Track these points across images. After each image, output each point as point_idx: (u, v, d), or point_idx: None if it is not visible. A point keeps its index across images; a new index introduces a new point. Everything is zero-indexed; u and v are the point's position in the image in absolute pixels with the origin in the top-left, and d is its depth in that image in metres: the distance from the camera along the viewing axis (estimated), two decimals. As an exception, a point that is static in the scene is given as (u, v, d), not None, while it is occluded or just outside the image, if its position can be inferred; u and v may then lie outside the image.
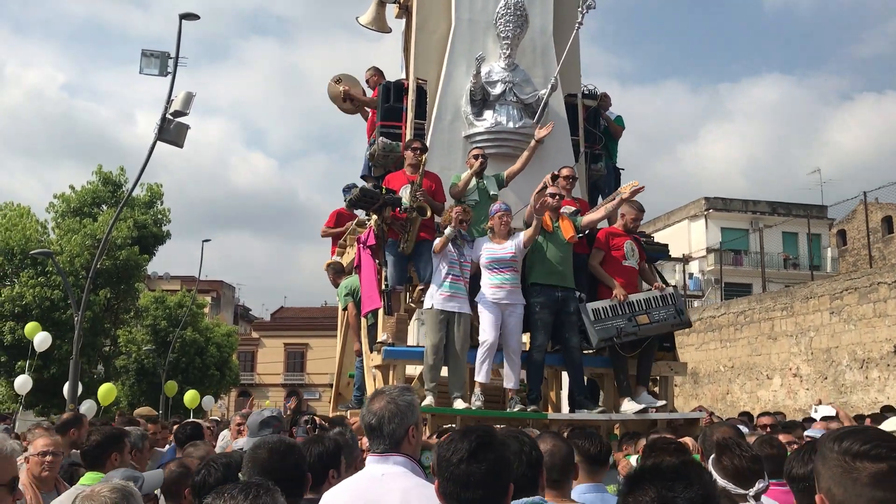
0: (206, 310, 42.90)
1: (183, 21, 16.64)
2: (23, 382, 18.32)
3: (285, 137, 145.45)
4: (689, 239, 39.52)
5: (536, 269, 7.55)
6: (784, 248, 40.60)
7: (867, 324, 16.19)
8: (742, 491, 3.60)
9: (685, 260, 35.68)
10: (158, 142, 16.38)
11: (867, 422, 7.81)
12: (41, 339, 18.80)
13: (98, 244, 23.11)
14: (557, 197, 7.60)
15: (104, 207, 29.78)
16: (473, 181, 7.91)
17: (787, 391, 18.64)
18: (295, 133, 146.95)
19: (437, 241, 7.34)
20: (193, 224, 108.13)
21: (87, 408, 18.46)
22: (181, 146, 16.43)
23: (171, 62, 16.65)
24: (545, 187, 7.73)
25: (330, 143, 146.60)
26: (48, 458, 4.57)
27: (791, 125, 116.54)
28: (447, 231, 7.29)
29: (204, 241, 32.59)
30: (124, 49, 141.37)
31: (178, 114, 16.15)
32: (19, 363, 22.04)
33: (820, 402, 14.55)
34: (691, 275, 37.77)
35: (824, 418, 8.13)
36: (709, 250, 39.03)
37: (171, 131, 16.21)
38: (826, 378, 17.38)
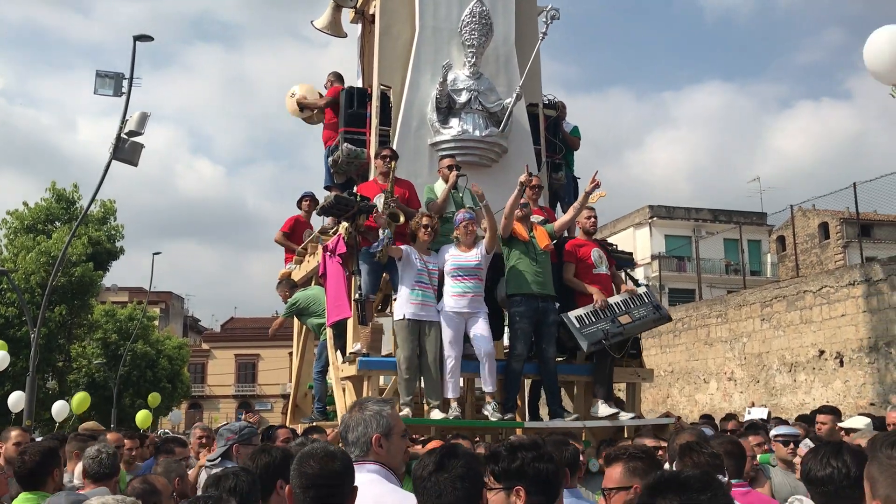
0: (156, 322, 43.02)
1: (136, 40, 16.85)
2: (16, 400, 18.68)
3: (232, 144, 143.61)
4: (635, 246, 40.13)
5: (516, 279, 7.53)
6: (726, 254, 41.50)
7: (794, 330, 17.01)
8: None
9: (624, 271, 36.22)
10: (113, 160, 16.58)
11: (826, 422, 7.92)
12: (0, 359, 18.82)
13: (52, 261, 23.73)
14: (527, 207, 7.62)
15: (57, 224, 29.94)
16: (444, 189, 7.87)
17: (723, 394, 19.36)
18: (242, 140, 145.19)
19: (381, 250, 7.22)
20: (140, 233, 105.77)
21: (58, 409, 18.81)
22: (136, 164, 16.68)
23: (125, 82, 16.93)
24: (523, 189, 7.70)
25: (278, 151, 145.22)
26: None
27: (733, 132, 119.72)
28: (380, 233, 7.21)
29: (154, 253, 32.81)
30: (64, 55, 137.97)
31: (132, 133, 16.38)
32: None
33: (753, 405, 15.08)
34: (636, 282, 38.34)
35: (800, 418, 8.29)
36: (653, 257, 39.72)
37: (125, 150, 16.47)
38: (758, 381, 18.13)
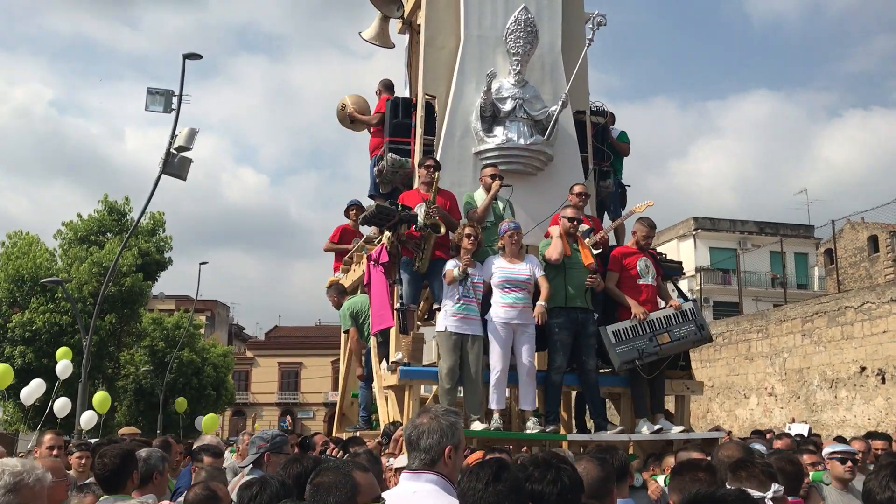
0: (202, 330, 43.77)
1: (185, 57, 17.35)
2: (61, 405, 19.10)
3: (276, 154, 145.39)
4: (679, 258, 39.66)
5: (557, 293, 7.42)
6: (772, 267, 40.82)
7: (836, 346, 16.96)
8: (760, 494, 3.56)
9: (673, 282, 35.85)
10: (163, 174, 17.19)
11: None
12: (63, 368, 19.51)
13: (104, 271, 24.98)
14: (576, 221, 7.51)
15: (109, 235, 30.98)
16: (485, 198, 7.81)
17: (763, 410, 19.31)
18: (286, 150, 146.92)
19: (448, 274, 7.20)
20: (186, 241, 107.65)
21: (86, 419, 19.00)
22: (184, 179, 17.31)
23: (174, 99, 17.37)
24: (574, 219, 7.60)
25: (321, 161, 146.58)
26: (55, 452, 4.49)
27: (780, 141, 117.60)
28: (455, 272, 7.14)
29: (201, 263, 33.24)
30: (112, 65, 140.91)
31: (181, 149, 16.92)
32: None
33: (793, 421, 14.88)
34: (685, 296, 37.88)
35: (870, 434, 8.05)
36: (697, 270, 39.17)
37: (175, 165, 17.02)
38: (799, 397, 18.11)
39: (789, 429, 10.76)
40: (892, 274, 35.10)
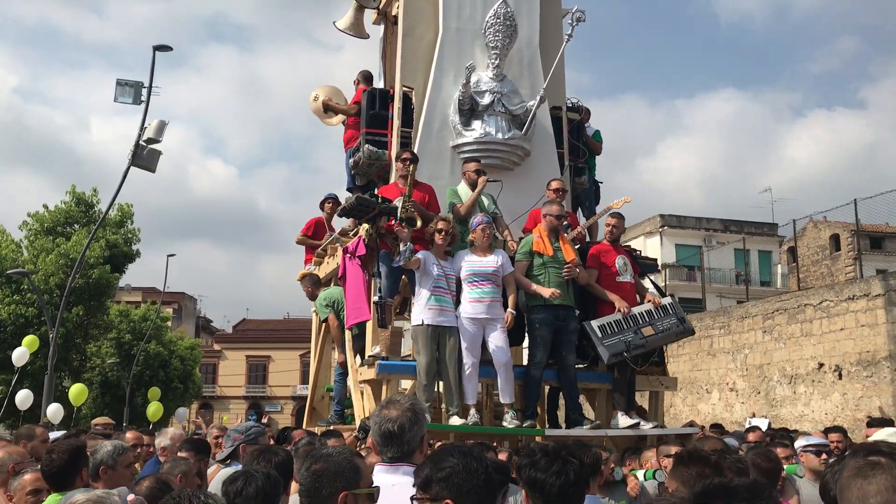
0: (169, 323, 43.45)
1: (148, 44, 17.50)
2: (23, 398, 18.98)
3: (245, 146, 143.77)
4: (645, 255, 40.02)
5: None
6: (736, 264, 41.35)
7: (795, 342, 17.39)
8: None
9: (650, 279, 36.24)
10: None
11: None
12: (19, 355, 19.38)
13: (71, 263, 24.75)
14: (564, 219, 7.52)
15: (76, 227, 30.65)
16: (470, 195, 7.77)
17: (725, 404, 19.68)
18: (255, 142, 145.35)
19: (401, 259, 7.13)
20: (154, 233, 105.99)
21: (53, 411, 18.81)
22: (153, 171, 17.28)
23: (144, 91, 17.36)
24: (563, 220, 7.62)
25: (290, 153, 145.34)
26: (43, 496, 4.10)
27: (746, 140, 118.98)
28: (401, 246, 7.10)
29: (169, 255, 33.80)
30: (78, 54, 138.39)
31: (151, 141, 16.91)
32: None
33: (754, 415, 15.22)
34: (662, 292, 38.28)
35: (827, 430, 8.19)
36: (663, 266, 39.55)
37: (144, 157, 17.03)
38: (759, 392, 18.51)
39: (749, 423, 10.92)
40: (852, 273, 35.74)
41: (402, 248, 7.07)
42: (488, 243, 7.38)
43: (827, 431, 8.09)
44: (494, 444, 6.88)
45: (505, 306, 7.38)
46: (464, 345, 7.18)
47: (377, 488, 2.72)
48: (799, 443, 6.61)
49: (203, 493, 2.62)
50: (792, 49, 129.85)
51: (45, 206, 31.32)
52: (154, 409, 26.16)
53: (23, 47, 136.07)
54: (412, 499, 2.54)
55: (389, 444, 2.99)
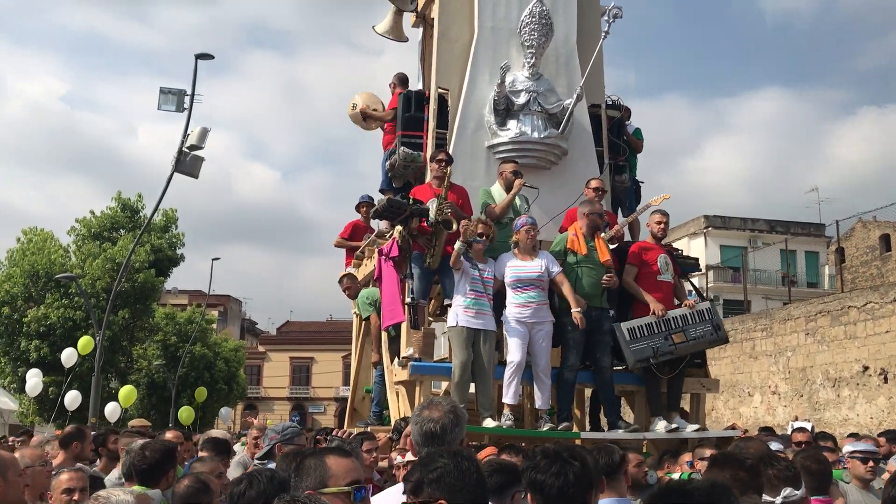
0: (214, 325, 44.25)
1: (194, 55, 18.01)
2: (72, 398, 19.60)
3: (287, 150, 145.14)
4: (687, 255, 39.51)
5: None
6: (781, 265, 40.63)
7: (839, 345, 17.13)
8: (770, 499, 3.47)
9: (689, 281, 35.85)
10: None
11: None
12: (67, 356, 19.90)
13: (117, 267, 25.63)
14: (602, 217, 7.44)
15: (122, 232, 31.48)
16: (505, 196, 7.72)
17: (767, 408, 19.50)
18: (297, 146, 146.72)
19: (452, 256, 7.12)
20: (199, 236, 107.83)
21: (110, 411, 19.58)
22: (196, 177, 17.75)
23: (187, 99, 17.84)
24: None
25: (333, 157, 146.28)
26: (75, 495, 4.24)
27: (792, 139, 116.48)
28: (456, 245, 7.07)
29: (214, 259, 34.53)
30: (124, 61, 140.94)
31: (193, 147, 17.31)
32: (44, 379, 23.29)
33: (796, 419, 14.98)
34: (690, 292, 37.78)
35: (852, 435, 7.97)
36: (708, 268, 39.00)
37: (187, 163, 17.45)
38: (802, 396, 18.33)
39: (792, 427, 10.68)
40: (904, 273, 34.84)
41: (457, 246, 7.02)
42: (532, 245, 7.31)
43: (881, 436, 7.86)
44: (523, 445, 6.80)
45: (552, 308, 7.30)
46: (511, 342, 7.14)
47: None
48: (846, 448, 6.42)
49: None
50: (840, 45, 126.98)
51: (92, 212, 32.14)
52: (186, 414, 26.55)
53: (70, 55, 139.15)
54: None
55: (431, 444, 3.01)
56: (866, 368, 16.29)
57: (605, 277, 7.34)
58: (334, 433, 6.04)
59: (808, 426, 10.65)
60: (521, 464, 3.40)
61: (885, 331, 15.72)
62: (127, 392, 21.37)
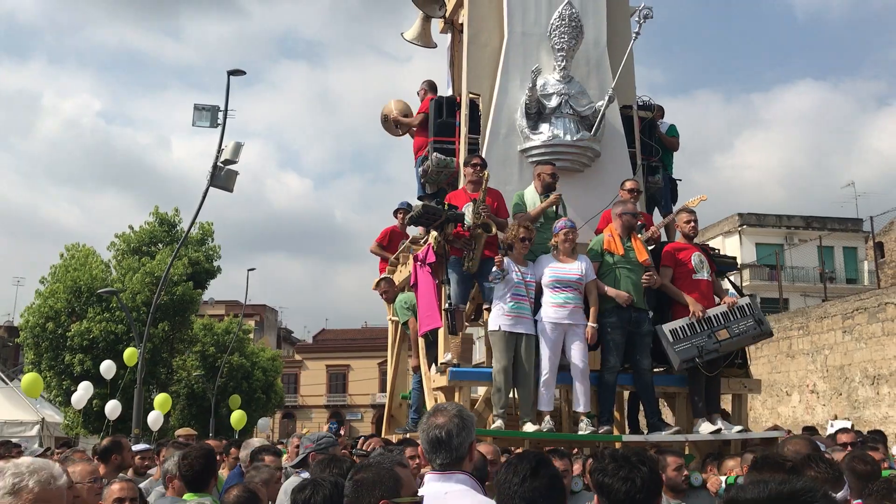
0: (251, 335, 44.65)
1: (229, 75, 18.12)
2: (112, 408, 19.82)
3: (319, 159, 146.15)
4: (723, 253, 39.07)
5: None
6: (819, 262, 40.02)
7: (877, 342, 16.96)
8: None
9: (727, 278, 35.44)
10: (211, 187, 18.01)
11: None
12: (107, 367, 20.33)
13: (156, 281, 26.00)
14: (637, 217, 7.40)
15: (160, 246, 31.97)
16: (538, 200, 7.71)
17: (806, 407, 19.32)
18: (328, 154, 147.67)
19: (490, 276, 7.10)
20: (233, 246, 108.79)
21: (154, 419, 19.96)
22: (231, 191, 18.06)
23: (220, 114, 18.12)
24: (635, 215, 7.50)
25: (364, 164, 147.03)
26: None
27: (827, 133, 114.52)
28: (492, 274, 7.05)
29: (249, 269, 36.12)
30: (157, 76, 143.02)
31: (228, 162, 17.64)
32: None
33: (836, 418, 14.79)
34: (726, 291, 37.35)
35: None
36: (743, 266, 38.53)
37: (221, 178, 17.78)
38: (840, 394, 18.13)
39: (832, 426, 10.52)
40: (946, 267, 34.13)
41: (493, 273, 7.03)
42: (571, 248, 7.30)
43: None
44: (574, 450, 6.78)
45: (586, 313, 7.29)
46: (544, 349, 7.12)
47: (421, 497, 2.72)
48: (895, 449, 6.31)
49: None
50: (873, 36, 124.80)
51: (131, 227, 32.67)
52: (238, 417, 26.91)
53: (105, 72, 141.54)
54: None
55: (438, 450, 2.99)
56: (905, 365, 16.12)
57: (644, 276, 7.29)
58: (360, 445, 6.05)
59: (848, 425, 10.49)
60: (590, 466, 3.39)
61: (924, 326, 15.54)
62: (162, 400, 21.79)
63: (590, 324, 7.15)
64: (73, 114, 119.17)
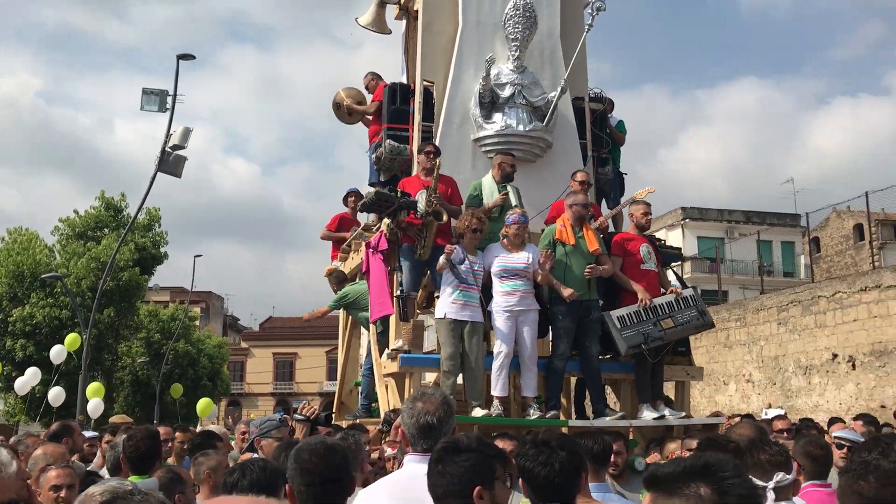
0: (197, 322, 44.35)
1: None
2: (56, 394, 19.62)
3: (267, 145, 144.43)
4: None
5: (559, 280, 7.39)
6: (758, 256, 41.08)
7: (809, 334, 17.63)
8: (762, 484, 3.58)
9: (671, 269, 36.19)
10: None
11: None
12: (57, 352, 20.03)
13: (101, 267, 26.08)
14: (588, 208, 7.51)
15: (106, 231, 31.57)
16: (496, 189, 7.78)
17: (742, 396, 19.93)
18: (276, 140, 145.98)
19: (439, 262, 7.17)
20: (179, 232, 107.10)
21: (94, 407, 19.45)
22: (179, 176, 17.96)
23: (169, 99, 18.04)
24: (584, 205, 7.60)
25: (313, 151, 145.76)
26: (62, 492, 4.09)
27: (769, 129, 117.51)
28: (441, 260, 7.11)
29: (196, 256, 34.59)
30: (100, 56, 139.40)
31: (176, 147, 17.48)
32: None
33: (770, 406, 15.30)
34: (684, 283, 38.18)
35: (858, 417, 8.13)
36: (685, 259, 39.34)
37: (170, 163, 17.60)
38: (775, 384, 18.78)
39: (766, 414, 10.89)
40: (878, 262, 35.36)
41: (442, 261, 7.08)
42: (521, 241, 7.38)
43: (857, 419, 8.04)
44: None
45: (539, 298, 7.42)
46: (498, 333, 7.22)
47: None
48: (836, 433, 6.54)
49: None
50: (815, 36, 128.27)
51: (76, 212, 32.28)
52: (204, 406, 26.55)
53: (45, 51, 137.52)
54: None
55: (427, 436, 3.07)
56: (835, 356, 16.72)
57: (587, 268, 7.40)
58: (300, 409, 6.07)
59: (781, 413, 10.88)
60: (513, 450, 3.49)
61: (852, 319, 16.18)
62: (95, 388, 21.52)
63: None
64: (10, 93, 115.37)
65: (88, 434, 7.34)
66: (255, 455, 4.93)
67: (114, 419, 11.17)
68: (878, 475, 2.48)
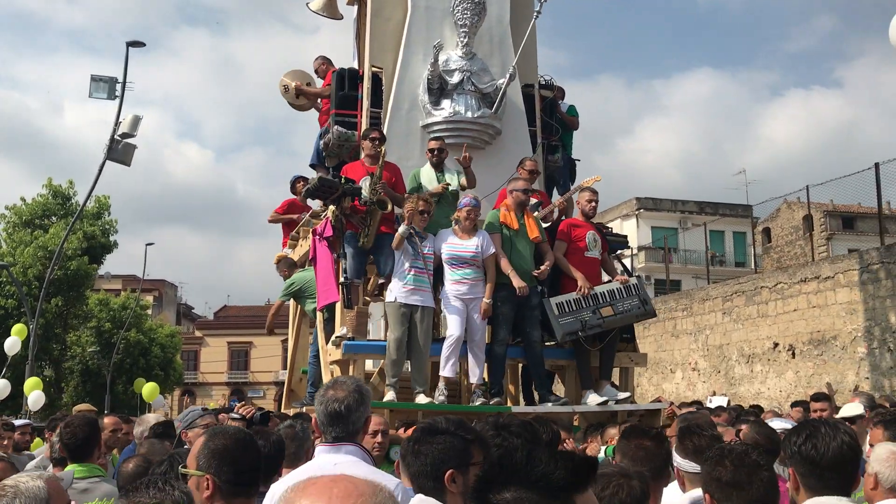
0: (150, 311, 43.79)
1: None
2: (2, 387, 19.10)
3: (220, 130, 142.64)
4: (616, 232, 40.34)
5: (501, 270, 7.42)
6: (711, 245, 41.73)
7: (752, 323, 17.92)
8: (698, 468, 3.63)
9: (618, 258, 36.55)
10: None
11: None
12: (11, 344, 19.63)
13: (49, 255, 25.49)
14: (528, 194, 7.51)
15: (54, 219, 31.11)
16: (434, 176, 7.75)
17: (688, 384, 20.24)
18: (230, 125, 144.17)
19: (395, 239, 7.16)
20: (130, 219, 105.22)
21: (34, 399, 19.14)
22: (129, 165, 17.66)
23: (118, 86, 17.83)
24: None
25: (267, 137, 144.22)
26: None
27: (723, 120, 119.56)
28: (401, 229, 7.11)
29: (147, 244, 33.91)
30: (47, 38, 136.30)
31: (126, 135, 17.28)
32: None
33: (714, 394, 15.67)
34: (629, 272, 38.62)
35: (795, 404, 8.30)
36: (640, 248, 39.81)
37: (119, 151, 17.40)
38: (719, 372, 19.06)
39: (710, 401, 11.11)
40: (825, 253, 36.16)
41: (400, 229, 7.06)
42: (472, 226, 7.37)
43: (795, 406, 8.24)
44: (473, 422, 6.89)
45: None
46: (451, 318, 7.23)
47: None
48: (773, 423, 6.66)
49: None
50: (769, 28, 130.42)
51: (23, 199, 31.63)
52: (150, 390, 26.14)
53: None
54: None
55: (335, 423, 3.03)
56: (776, 345, 17.15)
57: (536, 272, 7.43)
58: (237, 409, 6.01)
59: (725, 400, 11.11)
60: None
61: (792, 309, 16.62)
62: (32, 383, 21.17)
63: (484, 299, 7.26)
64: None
65: (19, 423, 7.17)
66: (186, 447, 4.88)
67: (79, 408, 10.91)
68: (731, 458, 2.65)
